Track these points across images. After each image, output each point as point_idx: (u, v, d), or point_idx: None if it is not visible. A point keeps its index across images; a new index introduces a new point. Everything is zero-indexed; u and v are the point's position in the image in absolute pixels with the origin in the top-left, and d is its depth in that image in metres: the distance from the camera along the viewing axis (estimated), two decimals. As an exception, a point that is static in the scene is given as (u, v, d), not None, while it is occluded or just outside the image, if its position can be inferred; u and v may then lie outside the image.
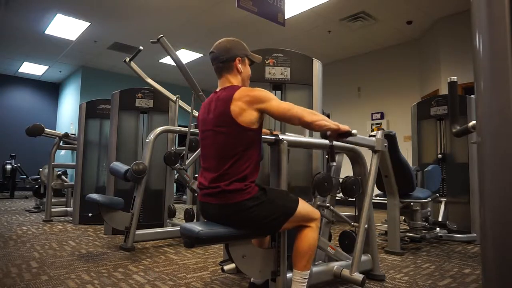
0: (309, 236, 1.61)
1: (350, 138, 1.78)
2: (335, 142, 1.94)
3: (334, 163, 1.77)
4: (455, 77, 2.41)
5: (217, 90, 1.66)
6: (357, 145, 2.11)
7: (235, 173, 1.50)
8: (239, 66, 1.65)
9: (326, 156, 2.92)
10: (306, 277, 1.62)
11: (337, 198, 2.34)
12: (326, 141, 1.96)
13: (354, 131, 1.64)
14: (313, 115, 1.55)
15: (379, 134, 2.22)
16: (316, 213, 1.67)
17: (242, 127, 1.51)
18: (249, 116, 1.52)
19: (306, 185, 2.35)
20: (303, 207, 1.62)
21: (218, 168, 1.53)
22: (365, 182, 2.14)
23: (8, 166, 7.43)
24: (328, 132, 1.64)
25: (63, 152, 8.75)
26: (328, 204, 2.10)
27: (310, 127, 1.57)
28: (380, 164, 2.87)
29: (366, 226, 2.02)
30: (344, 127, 1.62)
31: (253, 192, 1.51)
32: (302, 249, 1.61)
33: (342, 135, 1.65)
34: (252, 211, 1.49)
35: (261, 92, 1.56)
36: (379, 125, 6.84)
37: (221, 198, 1.51)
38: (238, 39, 1.73)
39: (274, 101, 1.55)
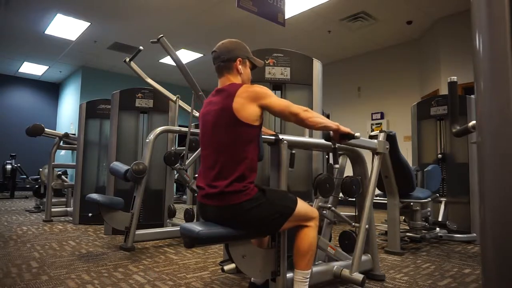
0: (309, 235, 1.62)
1: (352, 141, 1.78)
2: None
3: (337, 166, 1.79)
4: (455, 77, 2.41)
5: (218, 87, 1.67)
6: (359, 148, 2.11)
7: (233, 172, 1.49)
8: (240, 67, 1.66)
9: (326, 156, 2.92)
10: (308, 277, 1.62)
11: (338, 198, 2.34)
12: (328, 142, 1.95)
13: (357, 134, 1.64)
14: (308, 112, 1.58)
15: (381, 136, 2.22)
16: (314, 212, 1.67)
17: (242, 123, 1.52)
18: (250, 112, 1.53)
19: (306, 186, 2.35)
20: (302, 206, 1.62)
21: (216, 166, 1.53)
22: (367, 184, 2.14)
23: (8, 166, 7.43)
24: (331, 134, 1.66)
25: (63, 152, 8.75)
26: (329, 205, 2.10)
27: (304, 123, 1.58)
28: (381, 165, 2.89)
29: (366, 226, 2.02)
30: (345, 128, 1.63)
31: (252, 193, 1.51)
32: (303, 248, 1.61)
33: (345, 137, 1.65)
34: (251, 213, 1.49)
35: (262, 89, 1.58)
36: (379, 125, 6.84)
37: (220, 200, 1.50)
38: (239, 39, 1.73)
39: (274, 98, 1.58)
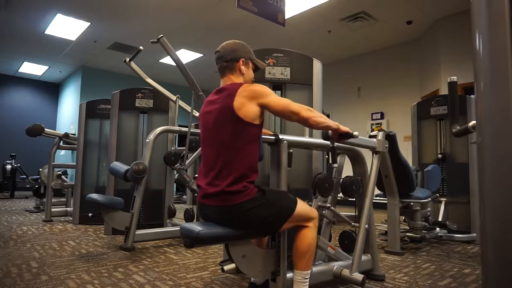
0: (308, 235, 1.61)
1: (351, 140, 1.77)
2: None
3: (336, 165, 1.79)
4: (455, 77, 2.41)
5: (220, 87, 1.67)
6: (358, 147, 2.11)
7: (234, 172, 1.49)
8: (242, 67, 1.66)
9: (326, 156, 2.92)
10: (307, 277, 1.62)
11: (337, 198, 2.34)
12: (327, 142, 1.95)
13: (355, 133, 1.65)
14: (310, 112, 1.57)
15: (380, 135, 2.21)
16: (314, 212, 1.67)
17: (244, 121, 1.51)
18: (250, 111, 1.53)
19: (305, 185, 2.35)
20: (301, 207, 1.61)
21: (216, 165, 1.53)
22: (366, 183, 2.14)
23: (8, 166, 7.43)
24: (330, 133, 1.66)
25: (63, 152, 8.75)
26: (329, 205, 2.09)
27: (307, 123, 1.58)
28: (380, 164, 2.88)
29: (366, 226, 2.02)
30: (344, 128, 1.63)
31: (252, 194, 1.50)
32: (302, 249, 1.61)
33: (344, 136, 1.65)
34: (251, 213, 1.49)
35: (262, 88, 1.58)
36: (379, 125, 6.84)
37: (220, 200, 1.50)
38: (239, 39, 1.73)
39: (273, 97, 1.58)
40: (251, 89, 1.56)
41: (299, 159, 2.32)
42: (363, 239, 1.98)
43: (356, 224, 2.04)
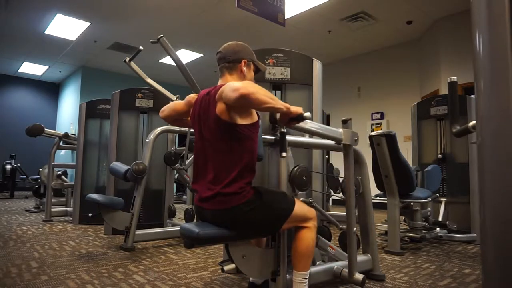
0: (307, 236, 1.61)
1: (309, 128, 1.64)
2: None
3: (285, 154, 1.60)
4: (455, 77, 2.41)
5: (210, 88, 1.65)
6: (316, 135, 1.81)
7: (229, 174, 1.47)
8: (244, 68, 1.64)
9: (326, 156, 2.91)
10: (307, 277, 1.62)
11: (337, 198, 2.33)
12: (327, 141, 1.95)
13: (306, 114, 1.43)
14: (252, 87, 1.35)
15: (348, 124, 1.95)
16: (312, 212, 1.66)
17: (227, 123, 1.48)
18: (224, 111, 1.48)
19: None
20: (300, 207, 1.61)
21: (211, 170, 1.52)
22: (348, 183, 1.94)
23: (8, 166, 7.43)
24: (278, 116, 1.48)
25: (63, 152, 8.75)
26: (311, 200, 1.97)
27: (247, 101, 1.35)
28: (357, 164, 2.79)
29: (354, 229, 1.93)
30: (296, 109, 1.44)
31: (248, 196, 1.48)
32: (301, 250, 1.60)
33: (294, 119, 1.44)
34: (248, 215, 1.48)
35: (228, 84, 1.44)
36: (379, 125, 6.84)
37: (216, 203, 1.49)
38: (239, 39, 1.72)
39: (228, 86, 1.42)
40: (221, 90, 1.47)
41: (299, 159, 2.31)
42: (352, 242, 1.91)
43: (344, 226, 1.98)
